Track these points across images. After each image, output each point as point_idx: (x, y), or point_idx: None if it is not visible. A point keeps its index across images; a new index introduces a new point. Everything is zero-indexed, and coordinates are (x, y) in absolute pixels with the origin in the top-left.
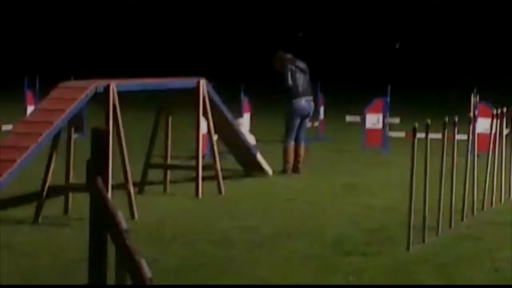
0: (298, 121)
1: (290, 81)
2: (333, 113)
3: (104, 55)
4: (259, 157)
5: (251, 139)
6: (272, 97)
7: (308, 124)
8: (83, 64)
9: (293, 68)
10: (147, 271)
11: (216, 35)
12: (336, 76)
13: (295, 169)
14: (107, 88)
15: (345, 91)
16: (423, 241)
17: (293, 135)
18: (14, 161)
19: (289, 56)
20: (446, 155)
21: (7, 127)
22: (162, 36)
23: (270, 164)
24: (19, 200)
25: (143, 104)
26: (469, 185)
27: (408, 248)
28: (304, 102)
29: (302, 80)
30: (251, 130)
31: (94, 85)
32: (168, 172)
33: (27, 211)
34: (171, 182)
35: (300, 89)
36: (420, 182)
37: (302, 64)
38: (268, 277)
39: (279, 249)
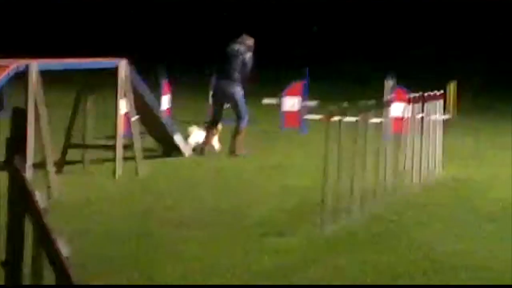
0: (217, 104)
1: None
2: (252, 96)
3: (26, 33)
4: (177, 138)
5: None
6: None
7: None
8: (3, 42)
9: (226, 52)
10: (65, 251)
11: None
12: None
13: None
14: (28, 68)
15: (263, 73)
16: (337, 221)
17: (213, 117)
18: None
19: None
20: (361, 137)
21: None
22: (85, 14)
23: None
24: None
25: (65, 83)
26: (383, 167)
27: (322, 228)
28: (217, 86)
29: (226, 64)
30: (172, 109)
31: (15, 65)
32: (87, 151)
33: None
34: (90, 161)
35: (220, 73)
36: (335, 164)
37: (232, 48)
38: (185, 255)
39: (196, 229)
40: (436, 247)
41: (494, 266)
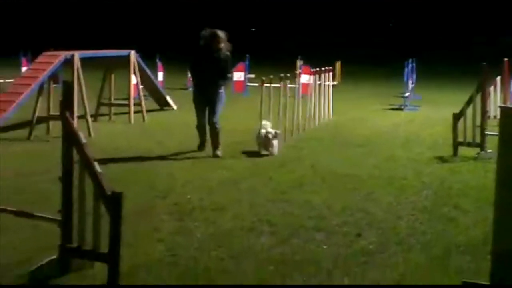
0: None
1: None
2: None
3: (67, 33)
4: (168, 98)
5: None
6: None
7: None
8: (53, 39)
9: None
10: (98, 168)
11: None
12: None
13: None
14: (73, 56)
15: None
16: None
17: None
18: (14, 101)
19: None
20: (283, 96)
21: (8, 80)
22: (104, 15)
23: (175, 102)
24: (19, 125)
25: (95, 65)
26: (297, 115)
27: (261, 155)
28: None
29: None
30: (164, 83)
31: (64, 53)
32: (112, 107)
33: (23, 132)
34: (114, 114)
35: None
36: (267, 113)
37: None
38: (176, 174)
39: (178, 155)
40: (327, 164)
41: (359, 173)
